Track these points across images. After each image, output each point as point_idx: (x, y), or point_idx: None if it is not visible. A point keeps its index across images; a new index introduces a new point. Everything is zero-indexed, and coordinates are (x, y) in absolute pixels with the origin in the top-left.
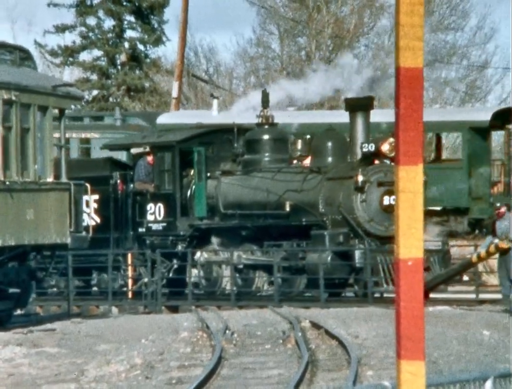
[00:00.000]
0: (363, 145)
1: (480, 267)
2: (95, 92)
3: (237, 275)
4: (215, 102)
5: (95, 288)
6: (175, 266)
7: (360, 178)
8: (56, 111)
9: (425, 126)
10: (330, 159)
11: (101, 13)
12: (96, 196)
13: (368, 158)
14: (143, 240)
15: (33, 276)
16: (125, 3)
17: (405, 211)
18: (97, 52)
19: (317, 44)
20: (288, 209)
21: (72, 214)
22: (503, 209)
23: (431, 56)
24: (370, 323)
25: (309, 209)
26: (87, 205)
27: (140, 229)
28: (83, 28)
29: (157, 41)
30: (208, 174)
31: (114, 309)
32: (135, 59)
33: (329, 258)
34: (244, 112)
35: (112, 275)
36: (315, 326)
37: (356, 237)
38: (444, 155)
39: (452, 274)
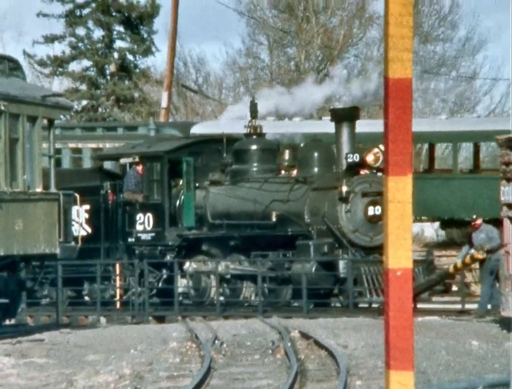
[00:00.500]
0: (348, 156)
1: (469, 277)
2: (84, 102)
3: (225, 285)
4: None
5: (86, 298)
6: (164, 276)
7: (344, 188)
8: (45, 121)
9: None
10: (316, 169)
11: (90, 24)
12: (87, 207)
13: (353, 169)
14: (133, 250)
15: (22, 286)
16: (114, 13)
17: (394, 221)
18: (86, 62)
19: (306, 54)
20: (274, 219)
21: (61, 224)
22: (479, 221)
23: (420, 67)
24: (360, 334)
25: (294, 219)
26: (78, 215)
27: (130, 239)
28: (72, 39)
29: (147, 52)
30: (197, 184)
31: (103, 320)
32: (125, 69)
33: (313, 268)
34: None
35: (103, 285)
36: (304, 336)
37: (341, 248)
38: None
39: (431, 284)
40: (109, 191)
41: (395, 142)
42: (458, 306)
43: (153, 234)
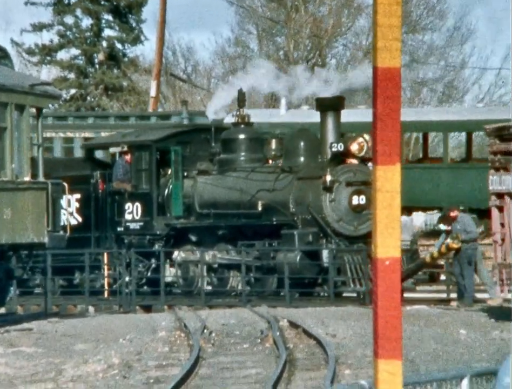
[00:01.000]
0: (333, 145)
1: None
2: (73, 91)
3: (212, 274)
4: (283, 101)
5: (78, 287)
6: (153, 265)
7: (328, 178)
8: (33, 110)
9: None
10: (302, 159)
11: (78, 12)
12: (78, 196)
13: (338, 158)
14: (122, 239)
15: (11, 275)
16: (102, 2)
17: (382, 211)
18: (75, 51)
19: (295, 44)
20: (260, 208)
21: (49, 213)
22: (454, 212)
23: (408, 57)
24: (348, 323)
25: (280, 208)
26: (69, 204)
27: (119, 229)
28: (61, 27)
29: (136, 40)
30: (185, 174)
31: (91, 309)
32: (113, 58)
33: (298, 258)
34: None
35: (94, 274)
36: (293, 325)
37: (325, 237)
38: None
39: (409, 274)
40: (99, 180)
41: (384, 131)
42: (444, 295)
43: (141, 223)
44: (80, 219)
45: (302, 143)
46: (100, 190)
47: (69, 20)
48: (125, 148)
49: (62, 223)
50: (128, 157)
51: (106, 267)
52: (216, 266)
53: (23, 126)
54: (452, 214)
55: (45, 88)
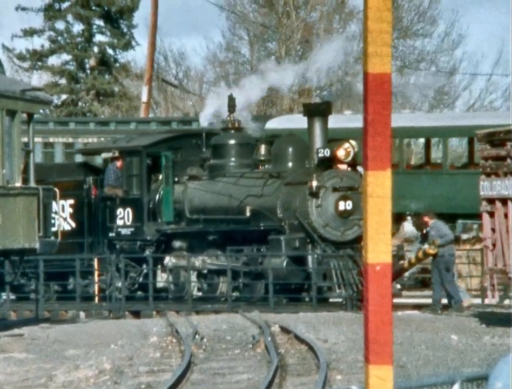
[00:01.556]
0: (319, 150)
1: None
2: (64, 97)
3: (202, 280)
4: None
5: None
6: (145, 271)
7: (315, 183)
8: (24, 115)
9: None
10: (290, 164)
11: (70, 17)
12: (71, 201)
13: (324, 163)
14: (114, 244)
15: (1, 281)
16: (94, 7)
17: (373, 216)
18: (66, 56)
19: (286, 49)
20: (248, 214)
21: (40, 219)
22: (426, 218)
23: (399, 62)
24: (340, 328)
25: (268, 214)
26: (63, 210)
27: (111, 234)
28: (52, 32)
29: (127, 46)
30: (176, 179)
31: (83, 314)
32: (104, 63)
33: (284, 263)
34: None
35: (88, 280)
36: (285, 330)
37: (312, 243)
38: None
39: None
40: (92, 186)
41: (374, 137)
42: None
43: (132, 229)
44: (74, 225)
45: (290, 149)
46: (93, 196)
47: (60, 25)
48: (116, 154)
49: (53, 229)
50: (119, 163)
51: (96, 273)
52: (206, 271)
53: (14, 131)
54: (425, 219)
55: (36, 94)
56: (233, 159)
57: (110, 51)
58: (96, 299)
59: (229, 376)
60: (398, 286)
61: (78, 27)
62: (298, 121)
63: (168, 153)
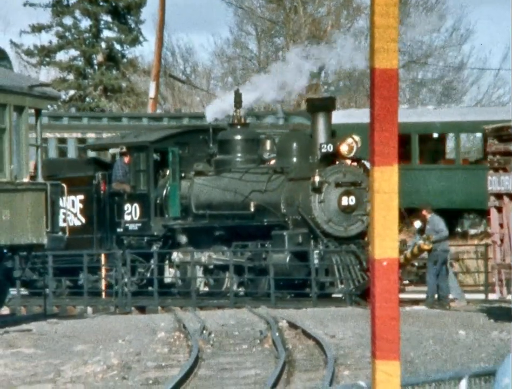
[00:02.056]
0: (322, 146)
1: (456, 266)
2: (71, 92)
3: (209, 275)
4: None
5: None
6: (153, 266)
7: (317, 179)
8: (32, 111)
9: None
10: (294, 159)
11: (77, 13)
12: (81, 196)
13: (327, 159)
14: (122, 240)
15: (10, 276)
16: (101, 3)
17: (380, 212)
18: (74, 52)
19: (294, 45)
20: (252, 209)
21: (48, 215)
22: (424, 212)
23: (407, 57)
24: (347, 323)
25: (271, 209)
26: (73, 205)
27: (119, 230)
28: (59, 28)
29: (134, 41)
30: (183, 175)
31: (90, 310)
32: (112, 59)
33: (287, 259)
34: None
35: (98, 275)
36: (292, 326)
37: (315, 238)
38: None
39: None
40: (101, 181)
41: (381, 132)
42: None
43: (139, 225)
44: (84, 220)
45: (294, 144)
46: (102, 192)
47: (68, 21)
48: (124, 149)
49: (62, 224)
50: (127, 158)
51: (103, 268)
52: (212, 267)
53: (22, 127)
54: (424, 212)
55: (44, 90)
56: (239, 154)
57: (118, 47)
58: (104, 294)
59: (237, 371)
60: (407, 281)
61: (85, 23)
62: (357, 115)
63: (175, 149)
